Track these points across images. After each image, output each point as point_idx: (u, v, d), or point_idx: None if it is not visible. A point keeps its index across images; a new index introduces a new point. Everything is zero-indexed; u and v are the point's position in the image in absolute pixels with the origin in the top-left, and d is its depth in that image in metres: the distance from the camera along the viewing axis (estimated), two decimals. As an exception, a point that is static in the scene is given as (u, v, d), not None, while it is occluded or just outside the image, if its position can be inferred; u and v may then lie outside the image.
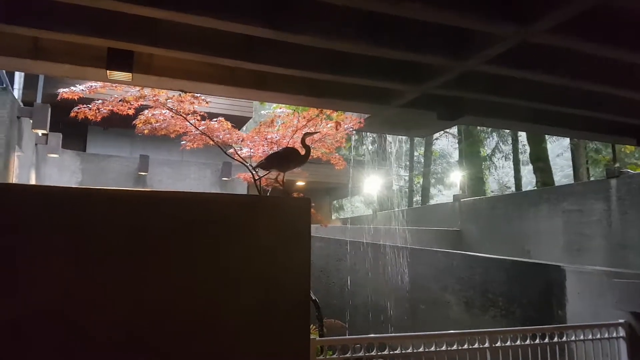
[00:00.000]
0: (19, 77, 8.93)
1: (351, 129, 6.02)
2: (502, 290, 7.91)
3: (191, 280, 2.21)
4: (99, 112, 5.42)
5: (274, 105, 6.31)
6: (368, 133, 19.33)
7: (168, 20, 3.72)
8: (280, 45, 4.08)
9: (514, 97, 5.22)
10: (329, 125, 5.75)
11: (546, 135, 14.44)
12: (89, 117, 5.52)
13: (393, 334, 6.72)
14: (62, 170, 11.06)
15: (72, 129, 12.30)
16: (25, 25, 3.72)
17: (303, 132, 4.34)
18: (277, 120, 5.81)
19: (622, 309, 5.83)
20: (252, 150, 5.88)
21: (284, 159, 4.32)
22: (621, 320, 5.35)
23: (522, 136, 17.29)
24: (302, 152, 4.22)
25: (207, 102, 5.30)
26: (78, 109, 5.41)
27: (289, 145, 5.36)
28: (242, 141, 5.68)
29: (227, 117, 6.06)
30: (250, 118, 13.14)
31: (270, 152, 5.38)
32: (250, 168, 5.36)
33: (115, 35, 3.90)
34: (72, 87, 5.16)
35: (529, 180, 22.79)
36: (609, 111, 5.59)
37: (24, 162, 8.76)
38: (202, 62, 4.51)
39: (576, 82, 4.77)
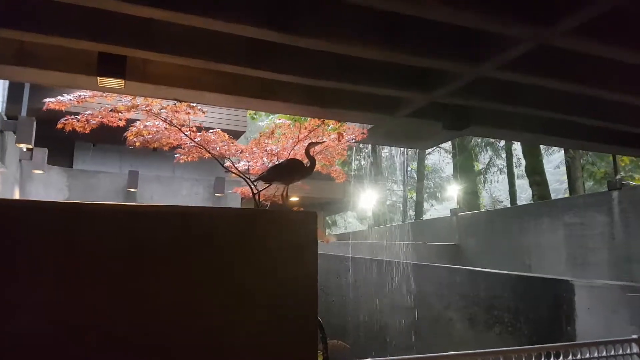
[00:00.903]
0: (2, 89, 8.56)
1: (353, 140, 5.78)
2: (507, 306, 7.65)
3: (191, 300, 2.00)
4: (87, 123, 5.10)
5: (269, 117, 6.08)
6: (361, 147, 19.19)
7: (164, 21, 3.47)
8: (284, 49, 3.85)
9: (524, 106, 5.04)
10: (331, 137, 5.50)
11: (541, 149, 14.40)
12: (77, 129, 5.20)
13: (398, 358, 6.39)
14: (48, 187, 10.64)
15: (58, 145, 11.90)
16: (9, 26, 3.44)
17: (307, 142, 4.08)
18: (277, 131, 5.55)
19: (637, 324, 5.61)
20: (250, 163, 5.60)
21: (288, 170, 4.04)
22: (635, 336, 5.13)
23: (517, 150, 17.25)
24: (306, 163, 3.97)
25: (203, 112, 5.02)
26: (65, 120, 5.09)
27: (289, 157, 5.09)
28: (240, 153, 5.39)
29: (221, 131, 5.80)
30: (243, 132, 12.89)
31: (270, 164, 5.11)
32: (249, 181, 5.07)
33: (107, 38, 3.63)
34: (59, 97, 4.84)
35: (523, 194, 22.76)
36: (620, 120, 5.44)
37: (7, 179, 8.36)
38: (201, 69, 4.25)
39: (590, 90, 4.60)
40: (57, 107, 4.96)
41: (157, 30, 3.72)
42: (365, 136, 5.71)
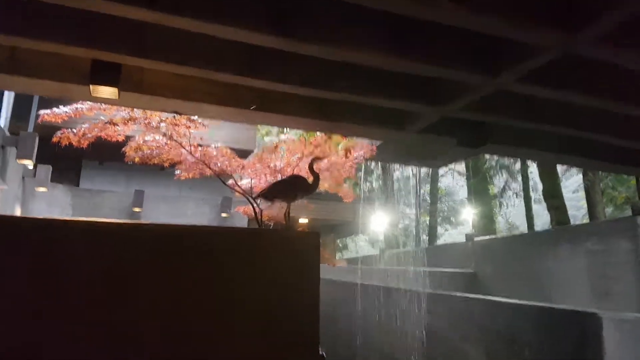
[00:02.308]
0: (7, 104, 8.49)
1: (362, 157, 5.47)
2: (529, 339, 7.10)
3: (186, 324, 1.97)
4: (84, 137, 4.89)
5: (280, 137, 5.83)
6: (372, 168, 18.88)
7: (160, 26, 3.25)
8: (286, 57, 3.60)
9: (545, 123, 4.70)
10: (339, 153, 5.19)
11: (560, 172, 13.92)
12: (73, 143, 5.00)
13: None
14: (52, 206, 10.47)
15: (65, 163, 11.83)
16: (2, 31, 3.24)
17: (311, 158, 3.79)
18: (282, 147, 5.27)
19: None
20: (253, 180, 5.31)
21: (290, 187, 3.76)
22: (673, 376, 4.63)
23: (533, 173, 16.77)
24: (310, 179, 3.68)
25: (204, 126, 4.77)
26: (61, 133, 4.89)
27: (294, 174, 4.79)
28: (242, 169, 5.11)
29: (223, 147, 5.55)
30: (252, 151, 12.69)
31: (274, 181, 4.81)
32: (251, 200, 4.77)
33: (101, 44, 3.43)
34: (54, 109, 4.65)
35: (538, 220, 22.11)
36: (649, 139, 5.06)
37: (8, 196, 8.19)
38: (199, 79, 4.02)
39: (618, 106, 4.26)
40: (52, 120, 4.76)
41: (153, 36, 3.51)
42: (374, 153, 5.40)
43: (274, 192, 3.80)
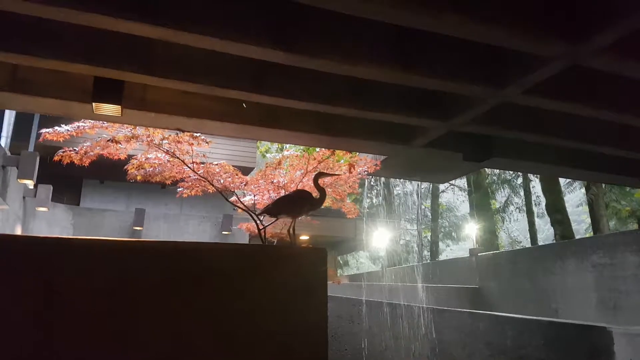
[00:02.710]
0: (7, 123, 8.48)
1: (366, 172, 5.42)
2: (538, 356, 6.97)
3: (188, 343, 1.89)
4: (86, 155, 4.84)
5: (281, 154, 5.79)
6: (373, 184, 18.82)
7: (164, 42, 3.24)
8: (292, 72, 3.58)
9: (551, 136, 4.68)
10: (342, 169, 5.14)
11: (562, 186, 13.87)
12: (75, 161, 4.95)
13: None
14: (52, 225, 10.39)
15: (66, 182, 11.77)
16: (4, 49, 3.22)
17: (316, 173, 3.73)
18: (285, 162, 5.22)
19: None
20: (256, 197, 5.25)
21: (295, 202, 3.68)
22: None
23: (535, 187, 16.72)
24: (315, 194, 3.61)
25: (207, 143, 4.73)
26: (63, 152, 4.84)
27: (299, 189, 4.73)
28: (245, 185, 5.05)
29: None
30: (253, 168, 12.65)
31: (276, 197, 4.75)
32: (254, 216, 4.70)
33: (104, 61, 3.41)
34: (56, 128, 4.61)
35: (541, 234, 21.98)
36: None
37: (9, 216, 8.11)
38: (203, 95, 4.00)
39: (623, 117, 4.23)
40: (54, 139, 4.72)
41: (157, 53, 3.49)
42: (378, 168, 5.35)
43: (279, 207, 3.72)
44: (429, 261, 18.60)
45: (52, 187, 9.37)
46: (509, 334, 6.88)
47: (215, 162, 5.15)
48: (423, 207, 22.79)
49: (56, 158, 4.82)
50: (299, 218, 3.68)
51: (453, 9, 2.70)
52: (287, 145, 7.29)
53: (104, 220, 11.27)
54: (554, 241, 13.09)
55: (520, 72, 3.51)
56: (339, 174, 5.01)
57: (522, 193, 18.64)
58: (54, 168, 5.08)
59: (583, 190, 14.62)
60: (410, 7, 2.65)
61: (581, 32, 2.99)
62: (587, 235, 17.20)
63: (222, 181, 4.89)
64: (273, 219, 4.51)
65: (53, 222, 10.35)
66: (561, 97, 3.89)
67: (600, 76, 3.76)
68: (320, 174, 3.77)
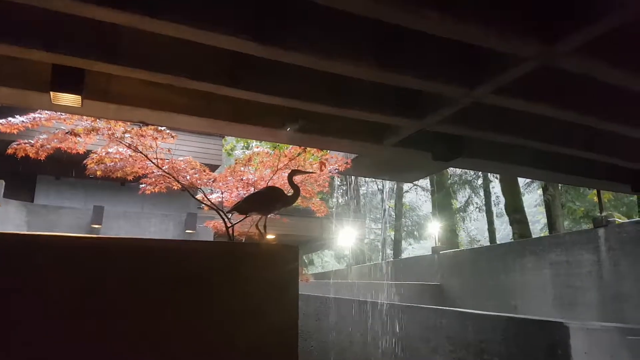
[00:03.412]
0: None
1: (336, 170, 5.37)
2: (498, 350, 7.15)
3: (157, 345, 1.82)
4: (42, 149, 4.56)
5: (246, 152, 5.67)
6: (339, 184, 18.88)
7: (131, 29, 3.06)
8: (266, 67, 3.48)
9: (518, 136, 4.77)
10: (313, 166, 5.07)
11: (521, 187, 14.35)
12: (30, 155, 4.65)
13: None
14: (4, 223, 9.80)
15: (19, 178, 11.15)
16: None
17: (290, 170, 3.65)
18: (255, 159, 5.09)
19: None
20: (224, 194, 5.10)
21: (268, 199, 3.58)
22: (638, 384, 4.72)
23: (495, 188, 17.24)
24: (288, 191, 3.53)
25: (173, 137, 4.55)
26: (17, 144, 4.54)
27: (271, 185, 4.63)
28: (213, 182, 4.90)
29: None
30: (219, 166, 12.40)
31: (247, 194, 4.63)
32: (222, 214, 4.56)
33: (63, 48, 3.18)
34: (9, 119, 4.32)
35: (498, 233, 22.69)
36: (616, 154, 5.23)
37: (-46, 213, 7.57)
38: (170, 87, 3.82)
39: (590, 119, 4.35)
40: (7, 130, 4.41)
41: (121, 40, 3.30)
42: (349, 166, 5.31)
43: (250, 204, 3.62)
44: (390, 259, 18.84)
45: (4, 183, 8.84)
46: (471, 329, 7.02)
47: (181, 158, 4.98)
48: (387, 206, 23.07)
49: (9, 151, 4.52)
50: (269, 215, 3.59)
51: (432, 6, 2.68)
52: (255, 143, 7.16)
53: (61, 218, 10.74)
54: (512, 240, 13.54)
55: (493, 71, 3.55)
56: (313, 172, 4.94)
57: (482, 193, 19.20)
58: (6, 162, 4.76)
59: (540, 191, 15.20)
60: (389, 1, 2.62)
61: (554, 33, 3.05)
62: (543, 235, 17.89)
63: (188, 177, 4.71)
64: (242, 217, 4.40)
65: (5, 219, 9.77)
66: (531, 98, 3.97)
67: (569, 78, 3.86)
68: (295, 172, 3.69)
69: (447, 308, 8.09)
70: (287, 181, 3.50)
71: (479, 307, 8.88)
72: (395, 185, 21.47)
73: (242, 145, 17.21)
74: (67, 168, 5.43)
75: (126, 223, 11.41)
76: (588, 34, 2.97)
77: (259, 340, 2.00)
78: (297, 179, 4.73)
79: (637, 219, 9.86)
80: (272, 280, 2.14)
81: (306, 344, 7.71)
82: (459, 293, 11.98)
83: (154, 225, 11.51)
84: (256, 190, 4.81)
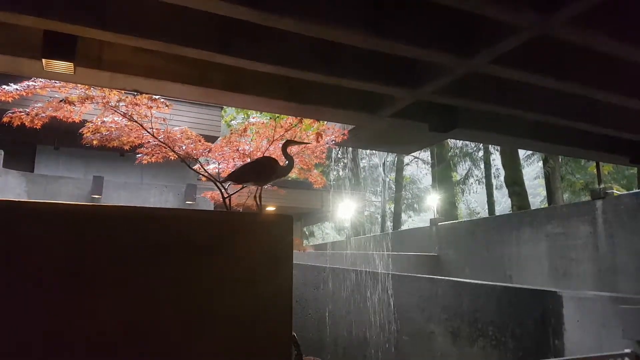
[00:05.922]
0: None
1: (333, 142, 5.36)
2: (492, 319, 7.30)
3: (150, 316, 1.82)
4: (38, 117, 4.55)
5: (246, 122, 5.64)
6: (340, 157, 18.86)
7: (120, -5, 3.02)
8: (258, 33, 3.43)
9: (515, 107, 4.74)
10: (310, 137, 5.07)
11: (521, 159, 14.33)
12: (26, 124, 4.65)
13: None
14: (4, 193, 9.87)
15: (19, 148, 11.16)
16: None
17: (284, 140, 3.64)
18: (251, 129, 5.08)
19: (629, 337, 5.32)
20: (221, 165, 5.11)
21: (261, 169, 3.59)
22: (627, 350, 4.83)
23: (496, 160, 17.22)
24: (284, 162, 3.54)
25: (167, 106, 4.53)
26: (12, 113, 4.53)
27: (266, 155, 4.63)
28: (209, 152, 4.91)
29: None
30: (217, 137, 12.36)
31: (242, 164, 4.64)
32: (219, 184, 4.59)
33: (55, 14, 3.14)
34: (3, 87, 4.30)
35: (498, 206, 22.79)
36: (612, 125, 5.19)
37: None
38: (163, 54, 3.78)
39: (587, 90, 4.32)
40: (2, 99, 4.40)
41: (115, 6, 3.26)
42: (345, 137, 5.30)
43: (243, 174, 3.63)
44: (391, 231, 19.01)
45: (3, 153, 8.86)
46: (465, 298, 7.16)
47: (176, 128, 4.97)
48: (388, 179, 23.12)
49: (5, 119, 4.51)
50: (265, 186, 3.61)
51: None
52: (254, 114, 7.13)
53: (60, 188, 10.80)
54: (511, 212, 13.61)
55: (489, 40, 3.50)
56: (308, 142, 4.93)
57: (482, 166, 19.19)
58: (5, 132, 4.76)
59: (540, 163, 15.17)
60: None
61: (551, 2, 2.99)
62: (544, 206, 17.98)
63: (184, 147, 4.72)
64: (238, 188, 4.42)
65: (5, 189, 9.83)
66: (528, 68, 3.93)
67: (567, 49, 3.81)
68: (289, 142, 3.68)
69: (442, 277, 8.23)
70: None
71: (475, 277, 9.00)
72: (396, 159, 21.45)
73: (243, 116, 17.13)
74: (65, 138, 5.42)
75: (127, 193, 11.48)
76: (586, 2, 2.91)
77: (252, 307, 2.01)
78: (291, 150, 4.74)
79: (635, 191, 9.88)
80: (267, 249, 2.14)
81: (304, 311, 7.89)
82: (455, 264, 12.13)
83: (153, 196, 11.57)
84: (252, 160, 4.82)
